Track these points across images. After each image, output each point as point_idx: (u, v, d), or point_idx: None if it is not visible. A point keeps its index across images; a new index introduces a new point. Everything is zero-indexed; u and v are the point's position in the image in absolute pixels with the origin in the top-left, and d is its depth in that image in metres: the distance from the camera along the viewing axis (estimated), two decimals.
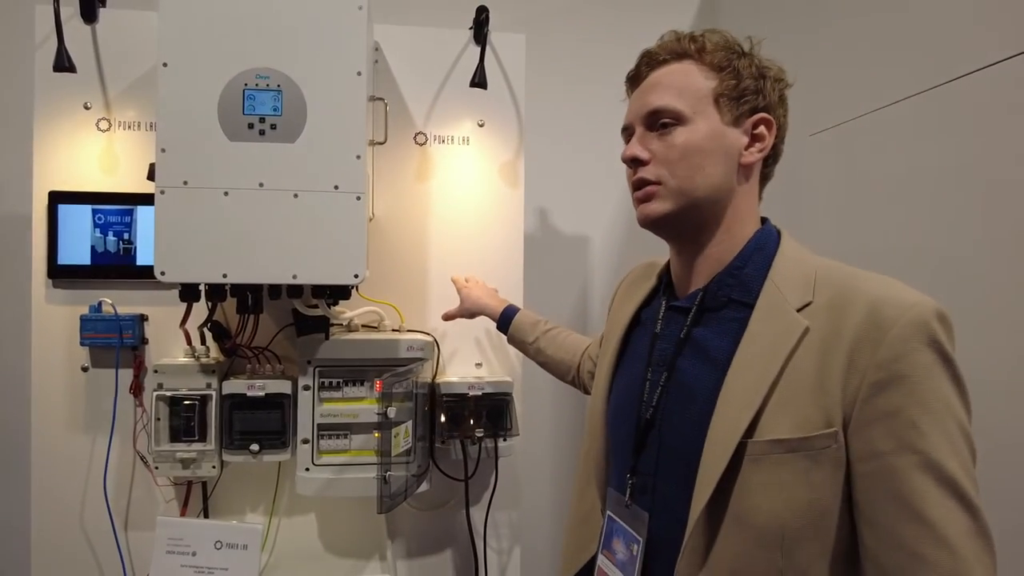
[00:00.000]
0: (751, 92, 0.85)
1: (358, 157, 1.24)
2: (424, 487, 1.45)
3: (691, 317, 0.86)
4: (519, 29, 1.59)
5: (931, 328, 0.70)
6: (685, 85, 0.84)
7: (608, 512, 0.92)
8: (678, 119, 0.84)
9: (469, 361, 1.57)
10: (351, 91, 1.25)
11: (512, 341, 1.44)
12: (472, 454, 1.49)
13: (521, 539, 1.61)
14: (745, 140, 0.85)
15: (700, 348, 0.84)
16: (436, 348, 1.53)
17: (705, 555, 0.76)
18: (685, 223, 0.86)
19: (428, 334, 1.52)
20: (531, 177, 1.62)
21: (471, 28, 1.53)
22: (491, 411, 1.49)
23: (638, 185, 0.86)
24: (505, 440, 1.49)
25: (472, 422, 1.47)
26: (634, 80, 0.91)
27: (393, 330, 1.52)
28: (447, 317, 1.50)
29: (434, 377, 1.52)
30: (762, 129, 0.85)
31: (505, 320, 1.43)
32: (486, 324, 1.55)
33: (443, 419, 1.47)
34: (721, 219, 0.86)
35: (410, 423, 1.36)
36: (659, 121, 0.85)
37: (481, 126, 1.56)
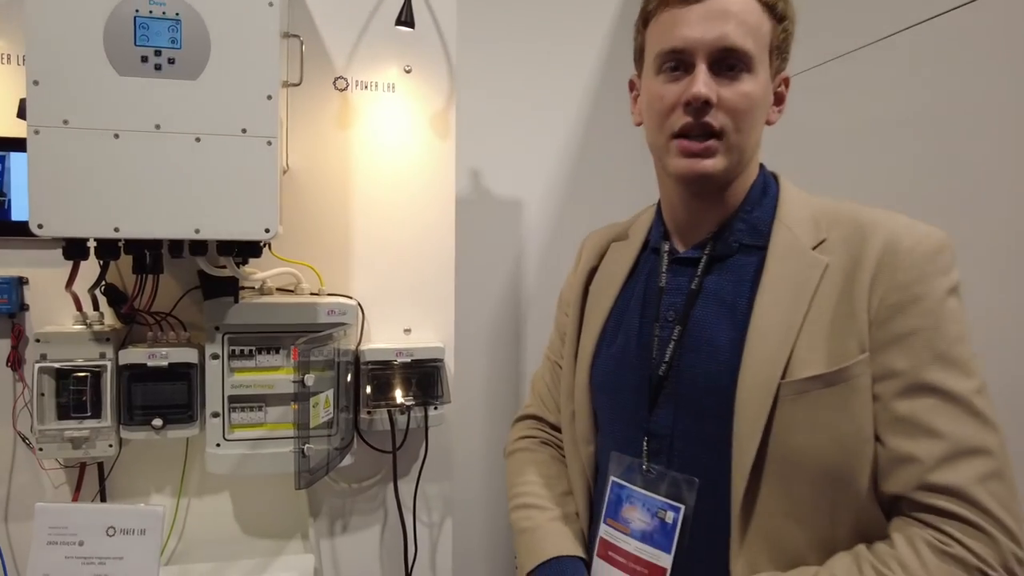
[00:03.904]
0: (788, 49, 0.82)
1: (269, 98, 1.12)
2: (348, 461, 1.35)
3: (702, 267, 0.83)
4: None
5: (944, 256, 0.73)
6: (758, 26, 0.77)
7: (613, 478, 0.86)
8: (749, 66, 0.77)
9: (397, 326, 1.47)
10: (261, 23, 1.12)
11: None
12: (400, 425, 1.40)
13: (453, 511, 1.53)
14: (772, 99, 0.83)
15: (716, 298, 0.81)
16: (360, 313, 1.42)
17: (755, 503, 0.74)
18: (724, 181, 0.82)
19: (350, 298, 1.41)
20: (462, 131, 1.52)
21: None
22: (421, 379, 1.40)
23: (699, 133, 0.77)
24: (436, 408, 1.41)
25: (400, 391, 1.38)
26: None
27: (312, 294, 1.40)
28: None
29: (358, 344, 1.41)
30: (783, 88, 0.84)
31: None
32: (415, 286, 1.46)
33: (368, 389, 1.37)
34: (743, 173, 0.83)
35: (331, 393, 1.26)
36: (728, 62, 0.76)
37: (408, 72, 1.44)
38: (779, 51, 0.81)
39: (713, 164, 0.78)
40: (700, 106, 0.76)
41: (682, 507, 0.78)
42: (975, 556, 0.65)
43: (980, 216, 1.17)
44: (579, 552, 0.89)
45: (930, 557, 0.66)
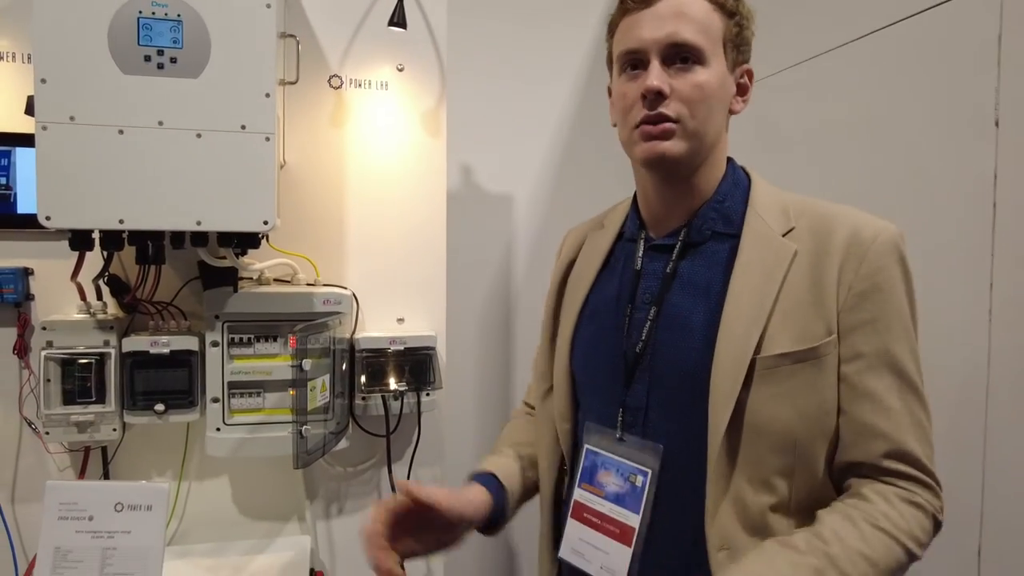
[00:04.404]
0: (746, 43, 0.88)
1: (267, 95, 1.17)
2: (343, 444, 1.41)
3: (676, 253, 0.89)
4: None
5: (900, 247, 0.81)
6: (708, 23, 0.84)
7: (588, 447, 0.92)
8: (700, 58, 0.83)
9: (391, 316, 1.52)
10: (259, 24, 1.16)
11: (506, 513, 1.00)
12: (394, 410, 1.46)
13: None
14: (734, 89, 0.89)
15: (690, 281, 0.87)
16: (355, 302, 1.47)
17: (726, 469, 0.80)
18: (689, 164, 0.87)
19: (345, 288, 1.46)
20: (453, 128, 1.57)
21: None
22: (413, 366, 1.46)
23: (655, 120, 0.83)
24: (428, 394, 1.46)
25: (394, 377, 1.44)
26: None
27: (308, 284, 1.45)
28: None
29: (353, 332, 1.46)
30: (746, 79, 0.91)
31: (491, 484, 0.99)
32: (408, 276, 1.52)
33: (363, 376, 1.42)
34: (709, 160, 0.89)
35: (327, 378, 1.31)
36: (679, 55, 0.83)
37: (400, 71, 1.49)
38: (734, 44, 0.87)
39: (671, 146, 0.84)
40: (654, 97, 0.83)
41: (650, 471, 0.85)
42: (930, 504, 0.79)
43: (932, 213, 1.24)
44: (495, 471, 0.99)
45: (903, 506, 0.78)
